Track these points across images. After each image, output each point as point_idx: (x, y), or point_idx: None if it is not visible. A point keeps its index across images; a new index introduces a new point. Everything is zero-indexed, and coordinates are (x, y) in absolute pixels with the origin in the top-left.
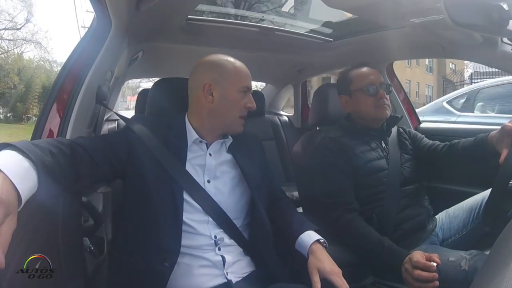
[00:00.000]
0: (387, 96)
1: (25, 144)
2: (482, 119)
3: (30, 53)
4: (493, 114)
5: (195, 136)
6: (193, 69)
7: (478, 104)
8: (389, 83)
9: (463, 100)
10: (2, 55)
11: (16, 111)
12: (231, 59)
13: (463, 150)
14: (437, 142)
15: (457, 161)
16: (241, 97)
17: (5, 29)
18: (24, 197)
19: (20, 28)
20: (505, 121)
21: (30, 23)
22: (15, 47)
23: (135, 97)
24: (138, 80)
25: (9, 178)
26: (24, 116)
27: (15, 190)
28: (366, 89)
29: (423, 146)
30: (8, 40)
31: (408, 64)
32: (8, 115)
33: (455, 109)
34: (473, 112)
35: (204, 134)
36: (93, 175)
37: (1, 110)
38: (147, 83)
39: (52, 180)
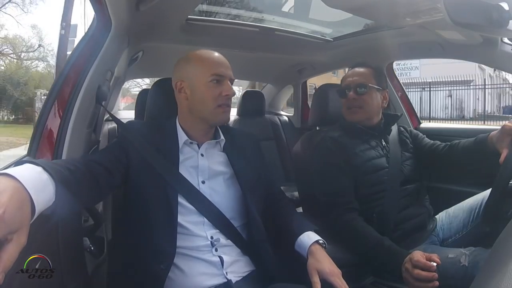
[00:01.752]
0: (360, 97)
1: (44, 161)
2: None
3: (39, 68)
4: None
5: (185, 137)
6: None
7: None
8: (367, 84)
9: None
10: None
11: (26, 114)
12: (200, 52)
13: (463, 150)
14: (438, 142)
15: (457, 161)
16: (213, 86)
17: (21, 51)
18: (38, 209)
19: (34, 51)
20: None
21: (41, 47)
22: (28, 64)
23: (126, 99)
24: (127, 86)
25: (26, 190)
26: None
27: (30, 202)
28: (342, 91)
29: (423, 145)
30: (25, 60)
31: (334, 73)
32: (20, 117)
33: None
34: None
35: (193, 135)
36: (111, 184)
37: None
38: (134, 89)
39: (70, 193)
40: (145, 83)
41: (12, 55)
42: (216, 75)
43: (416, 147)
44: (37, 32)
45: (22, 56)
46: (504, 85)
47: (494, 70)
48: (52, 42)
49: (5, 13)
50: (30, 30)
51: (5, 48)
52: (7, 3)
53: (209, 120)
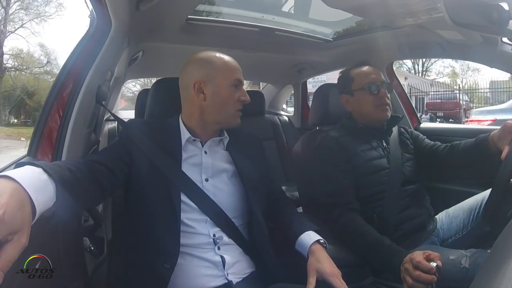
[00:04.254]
0: (388, 96)
1: (43, 162)
2: None
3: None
4: None
5: (188, 135)
6: (182, 68)
7: None
8: (390, 82)
9: None
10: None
11: (33, 117)
12: (219, 55)
13: (464, 151)
14: (438, 143)
15: (458, 162)
16: (233, 91)
17: (33, 67)
18: (39, 209)
19: (43, 67)
20: None
21: (49, 63)
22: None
23: (120, 102)
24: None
25: (25, 190)
26: None
27: (30, 202)
28: (368, 88)
29: (424, 146)
30: (35, 74)
31: None
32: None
33: None
34: None
35: (198, 133)
36: (114, 184)
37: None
38: (127, 94)
39: (71, 194)
40: (137, 89)
41: (26, 70)
42: (237, 80)
43: (416, 148)
44: (44, 50)
45: (33, 71)
46: None
47: (406, 79)
48: (57, 57)
49: (18, 34)
50: (38, 48)
51: (18, 65)
52: (19, 28)
53: (225, 123)
